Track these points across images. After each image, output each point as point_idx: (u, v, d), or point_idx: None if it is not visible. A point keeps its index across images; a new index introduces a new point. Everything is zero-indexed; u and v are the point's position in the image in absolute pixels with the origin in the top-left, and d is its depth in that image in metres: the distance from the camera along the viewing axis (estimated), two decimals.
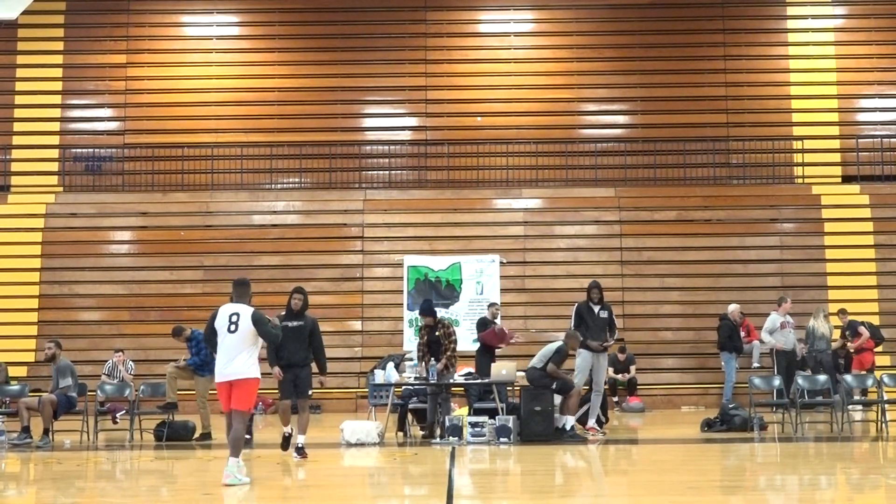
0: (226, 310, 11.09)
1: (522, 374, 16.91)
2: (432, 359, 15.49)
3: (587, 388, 15.76)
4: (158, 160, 24.74)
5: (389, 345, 22.32)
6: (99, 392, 16.74)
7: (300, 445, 12.88)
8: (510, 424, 14.58)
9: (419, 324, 16.70)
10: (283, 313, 13.35)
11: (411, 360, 16.67)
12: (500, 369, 15.58)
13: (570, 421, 14.84)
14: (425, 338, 15.63)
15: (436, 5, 25.65)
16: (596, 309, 15.48)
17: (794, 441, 14.86)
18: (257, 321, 10.96)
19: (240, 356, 10.89)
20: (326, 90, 25.30)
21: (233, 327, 10.94)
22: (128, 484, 11.79)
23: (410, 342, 21.77)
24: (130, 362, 20.17)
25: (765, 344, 19.55)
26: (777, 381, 16.97)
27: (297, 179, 25.15)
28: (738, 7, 25.62)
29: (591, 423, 15.52)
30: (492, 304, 19.27)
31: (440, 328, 15.55)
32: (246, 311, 11.02)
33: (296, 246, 23.64)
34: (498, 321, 19.14)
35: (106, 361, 20.24)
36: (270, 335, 11.20)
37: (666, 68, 25.17)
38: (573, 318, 15.58)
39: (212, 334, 11.11)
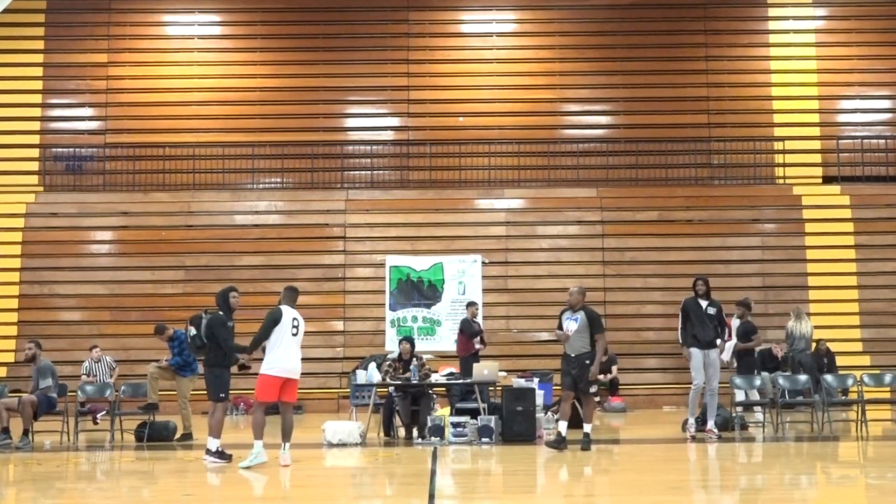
0: (289, 313, 12.43)
1: (504, 374, 16.95)
2: (412, 355, 15.60)
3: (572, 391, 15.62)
4: (140, 160, 24.64)
5: (371, 345, 22.32)
6: (79, 392, 16.67)
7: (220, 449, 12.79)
8: (492, 424, 14.59)
9: (391, 359, 16.64)
10: (220, 312, 13.11)
11: (391, 360, 16.65)
12: (483, 369, 15.61)
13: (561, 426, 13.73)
14: (400, 370, 15.68)
15: (418, 5, 25.63)
16: (703, 304, 15.04)
17: (776, 441, 14.92)
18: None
19: (299, 357, 12.49)
20: (308, 90, 25.26)
21: (294, 331, 12.39)
22: (108, 485, 11.75)
23: (392, 342, 21.77)
24: (108, 358, 20.01)
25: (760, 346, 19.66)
26: (759, 381, 17.03)
27: (279, 179, 25.11)
28: (720, 8, 25.68)
29: (710, 424, 14.80)
30: (471, 304, 19.39)
31: (417, 360, 15.60)
32: (300, 318, 12.55)
33: (278, 246, 23.58)
34: (479, 320, 19.25)
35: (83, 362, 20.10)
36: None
37: (648, 69, 25.23)
38: (680, 314, 15.06)
39: (270, 331, 12.31)
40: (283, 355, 12.27)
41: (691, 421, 14.89)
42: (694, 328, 14.98)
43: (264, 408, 12.44)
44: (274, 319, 12.33)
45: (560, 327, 13.90)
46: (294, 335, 12.35)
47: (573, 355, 13.67)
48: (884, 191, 24.31)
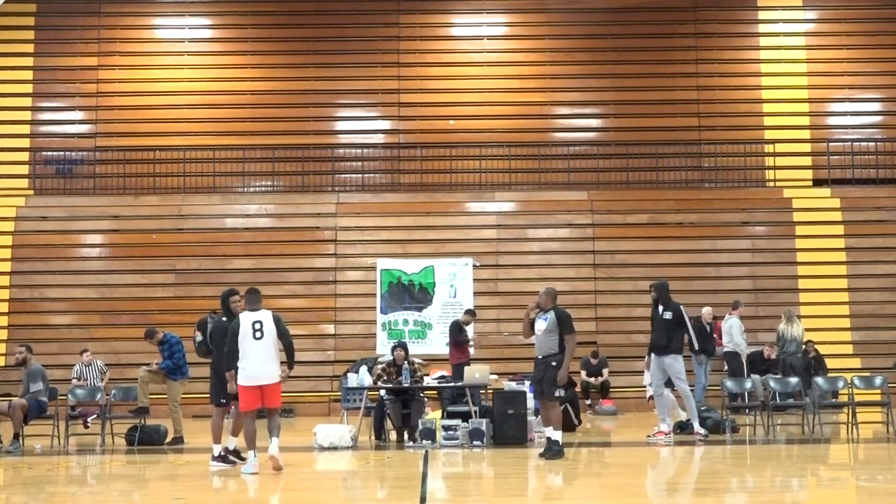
0: (248, 319, 12.01)
1: (495, 377, 16.95)
2: (405, 361, 15.55)
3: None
4: (130, 163, 24.59)
5: (362, 348, 22.28)
6: (70, 396, 16.64)
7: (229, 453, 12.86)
8: (483, 428, 14.58)
9: (384, 362, 16.58)
10: (223, 318, 12.92)
11: (383, 363, 16.63)
12: (474, 372, 15.61)
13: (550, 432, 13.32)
14: (393, 374, 15.60)
15: (408, 8, 25.63)
16: (660, 309, 15.07)
17: (766, 443, 14.93)
18: (278, 321, 12.11)
19: (269, 360, 12.00)
20: (299, 93, 25.24)
21: (258, 334, 11.96)
22: (99, 489, 11.73)
23: (383, 346, 21.77)
24: (99, 361, 19.98)
25: (740, 349, 19.66)
26: (749, 384, 17.04)
27: (269, 182, 25.07)
28: (710, 11, 25.70)
29: (696, 426, 14.90)
30: (467, 312, 19.29)
31: (410, 365, 15.52)
32: (267, 316, 12.09)
33: (268, 249, 23.55)
34: (470, 328, 19.19)
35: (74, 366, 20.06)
36: (288, 335, 12.24)
37: (638, 72, 25.24)
38: None
39: (235, 344, 11.99)
40: (248, 363, 11.96)
41: (662, 427, 14.98)
42: (653, 332, 15.28)
43: (252, 416, 12.12)
44: (234, 333, 12.03)
45: (531, 326, 13.50)
46: (259, 339, 11.94)
47: (540, 357, 13.15)
48: (874, 193, 24.37)
